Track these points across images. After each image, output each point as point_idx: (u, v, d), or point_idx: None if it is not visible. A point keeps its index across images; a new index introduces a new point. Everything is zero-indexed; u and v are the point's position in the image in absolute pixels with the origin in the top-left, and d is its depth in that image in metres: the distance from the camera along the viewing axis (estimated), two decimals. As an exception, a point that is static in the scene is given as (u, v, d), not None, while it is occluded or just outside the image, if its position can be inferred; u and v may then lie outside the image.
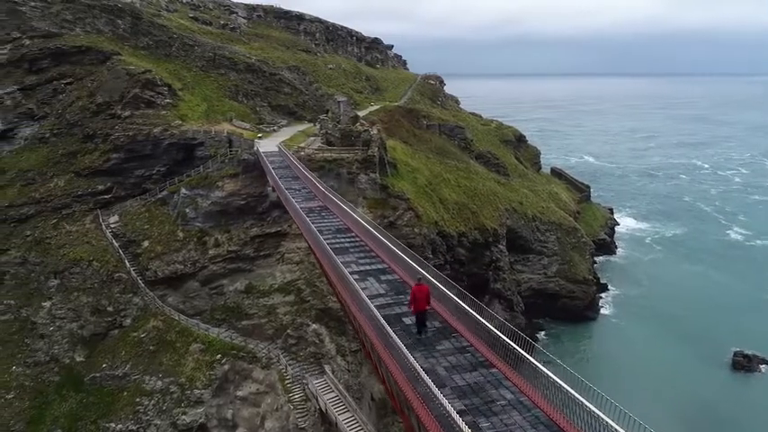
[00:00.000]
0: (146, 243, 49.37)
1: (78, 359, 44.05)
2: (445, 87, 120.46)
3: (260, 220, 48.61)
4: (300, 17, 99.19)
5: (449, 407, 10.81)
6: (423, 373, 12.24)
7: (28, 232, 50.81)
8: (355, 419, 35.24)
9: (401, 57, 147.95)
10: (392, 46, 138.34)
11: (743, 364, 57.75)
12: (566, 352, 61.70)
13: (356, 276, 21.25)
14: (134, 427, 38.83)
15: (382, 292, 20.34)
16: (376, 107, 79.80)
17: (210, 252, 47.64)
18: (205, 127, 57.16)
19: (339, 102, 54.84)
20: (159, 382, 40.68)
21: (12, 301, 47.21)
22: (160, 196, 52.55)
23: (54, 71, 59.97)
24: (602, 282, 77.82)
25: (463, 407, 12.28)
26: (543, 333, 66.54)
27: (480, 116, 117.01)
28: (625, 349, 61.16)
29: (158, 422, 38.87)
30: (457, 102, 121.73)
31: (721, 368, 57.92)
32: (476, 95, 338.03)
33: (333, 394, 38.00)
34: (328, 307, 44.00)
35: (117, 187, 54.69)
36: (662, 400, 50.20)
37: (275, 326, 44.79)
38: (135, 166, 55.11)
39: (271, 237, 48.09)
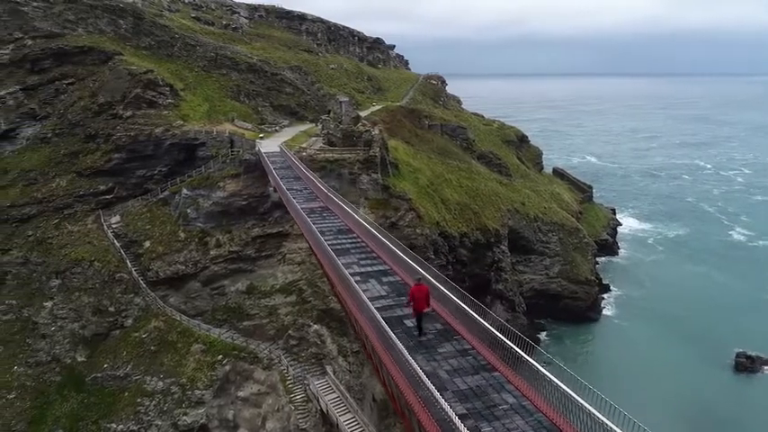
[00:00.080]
0: (147, 243, 49.38)
1: (80, 359, 44.08)
2: (447, 87, 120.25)
3: (261, 221, 48.57)
4: (302, 17, 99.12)
5: (450, 411, 10.73)
6: (424, 377, 12.16)
7: (30, 232, 50.84)
8: (356, 420, 35.18)
9: (403, 57, 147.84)
10: (394, 46, 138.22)
11: (745, 365, 57.54)
12: (568, 353, 61.59)
13: (357, 278, 21.17)
14: (135, 428, 38.85)
15: (383, 293, 20.25)
16: (378, 107, 79.69)
17: (212, 252, 47.61)
18: (207, 127, 57.14)
19: (341, 102, 54.81)
20: (160, 383, 40.67)
21: (13, 301, 47.26)
22: (162, 196, 52.55)
23: (56, 71, 60.04)
24: (604, 282, 77.62)
25: (465, 411, 12.18)
26: (545, 334, 66.38)
27: (482, 116, 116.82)
28: (627, 350, 60.99)
29: (159, 423, 38.88)
30: (459, 102, 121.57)
31: (724, 369, 57.72)
32: (478, 95, 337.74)
33: (334, 395, 37.94)
34: (330, 307, 43.90)
35: (118, 187, 54.71)
36: (664, 401, 50.04)
37: (276, 326, 44.74)
38: (136, 167, 55.12)
39: (272, 237, 48.04)
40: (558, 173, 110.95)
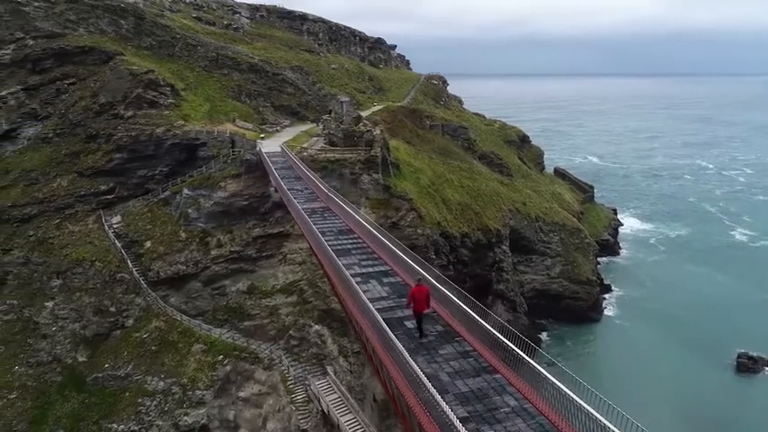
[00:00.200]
0: (148, 243, 49.36)
1: (81, 359, 44.07)
2: (448, 87, 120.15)
3: (262, 221, 48.53)
4: (303, 17, 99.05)
5: (451, 414, 10.66)
6: (425, 379, 12.09)
7: (31, 232, 50.84)
8: (357, 421, 35.13)
9: (404, 57, 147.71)
10: (395, 46, 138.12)
11: (747, 365, 57.42)
12: (569, 353, 61.50)
13: (358, 279, 21.12)
14: (136, 428, 38.82)
15: (384, 294, 20.18)
16: (379, 107, 79.62)
17: (213, 252, 47.58)
18: (208, 127, 57.11)
19: (342, 102, 54.75)
20: (161, 383, 40.65)
21: (14, 301, 47.26)
22: (163, 196, 52.53)
23: (57, 71, 60.03)
24: (605, 283, 77.49)
25: (466, 414, 12.11)
26: (546, 334, 66.28)
27: (483, 116, 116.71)
28: (629, 350, 60.88)
29: (160, 423, 38.85)
30: (460, 102, 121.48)
31: (725, 370, 57.60)
32: (479, 96, 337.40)
33: (335, 395, 37.90)
34: (331, 308, 43.84)
35: (119, 187, 54.70)
36: (665, 401, 49.93)
37: (277, 327, 44.70)
38: (137, 167, 55.10)
39: (273, 237, 48.00)
40: (560, 173, 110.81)
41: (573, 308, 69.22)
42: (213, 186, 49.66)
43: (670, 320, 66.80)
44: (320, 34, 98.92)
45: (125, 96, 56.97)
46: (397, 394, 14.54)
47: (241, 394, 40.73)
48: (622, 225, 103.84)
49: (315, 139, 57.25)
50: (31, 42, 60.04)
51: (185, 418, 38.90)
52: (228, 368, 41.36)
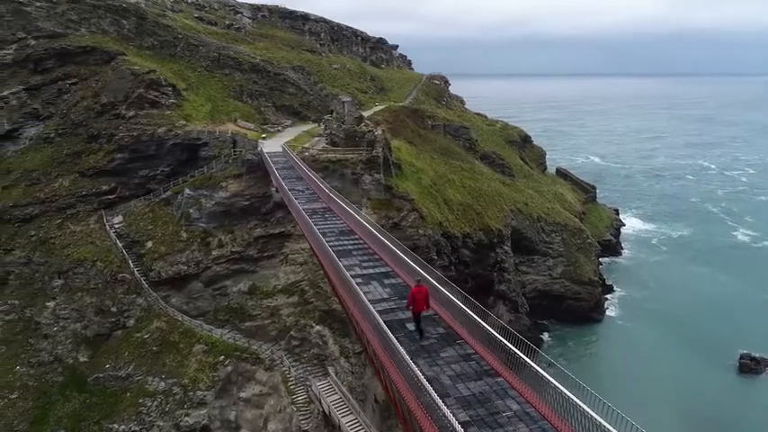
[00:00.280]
0: (149, 243, 49.32)
1: (82, 359, 44.04)
2: (450, 87, 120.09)
3: (264, 221, 48.48)
4: (305, 17, 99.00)
5: (452, 418, 10.56)
6: (425, 383, 11.99)
7: (32, 232, 50.83)
8: (359, 422, 35.07)
9: (406, 57, 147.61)
10: (397, 46, 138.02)
11: (750, 366, 57.27)
12: (571, 354, 61.40)
13: (359, 280, 21.02)
14: (137, 428, 38.77)
15: (386, 296, 20.08)
16: (381, 107, 79.55)
17: (214, 253, 47.53)
18: (209, 127, 57.04)
19: (344, 102, 54.60)
20: (162, 383, 40.61)
21: (16, 301, 47.25)
22: (164, 196, 52.49)
23: (59, 71, 60.00)
24: (607, 283, 77.35)
25: (468, 418, 12.01)
26: (548, 335, 66.21)
27: (485, 116, 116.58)
28: (631, 351, 60.74)
29: (161, 423, 38.80)
30: (462, 102, 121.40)
31: (728, 371, 57.45)
32: (481, 96, 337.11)
33: (336, 396, 37.85)
34: (332, 308, 43.79)
35: (121, 187, 54.68)
36: (667, 402, 49.82)
37: (279, 327, 44.64)
38: (139, 167, 55.07)
39: (274, 238, 47.94)
40: (562, 173, 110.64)
41: (575, 308, 69.08)
42: (215, 186, 49.60)
43: (672, 321, 66.64)
44: (322, 34, 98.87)
45: (127, 96, 56.95)
46: (398, 397, 14.45)
47: (242, 395, 40.67)
48: (624, 225, 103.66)
49: (316, 139, 57.18)
50: (33, 42, 60.02)
51: (186, 418, 38.86)
52: (229, 369, 41.31)
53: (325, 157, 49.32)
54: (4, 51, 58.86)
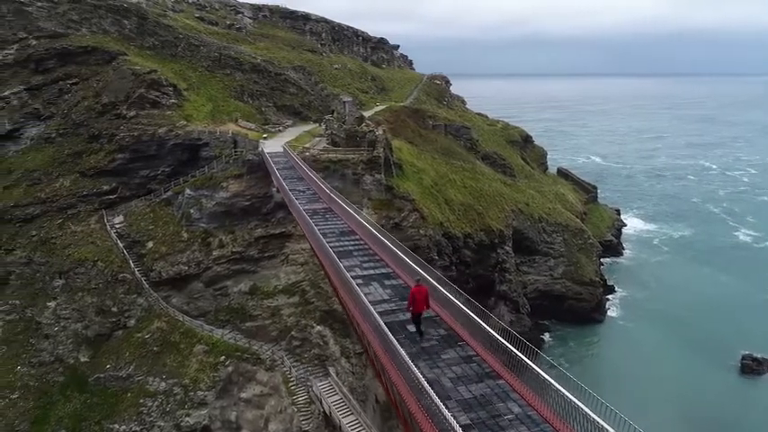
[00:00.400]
0: (150, 244, 49.31)
1: (83, 360, 44.04)
2: (451, 87, 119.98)
3: (264, 221, 48.43)
4: (306, 17, 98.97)
5: (453, 421, 10.50)
6: (426, 385, 11.93)
7: (33, 232, 50.85)
8: (359, 422, 35.02)
9: (407, 57, 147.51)
10: (398, 46, 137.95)
11: (752, 367, 57.15)
12: (572, 354, 61.32)
13: (360, 281, 20.95)
14: (137, 429, 38.76)
15: (386, 297, 20.00)
16: (382, 107, 79.49)
17: (215, 253, 47.50)
18: (210, 127, 57.03)
19: (345, 102, 54.51)
20: (163, 384, 40.59)
21: (17, 301, 47.26)
22: (165, 197, 52.48)
23: (60, 71, 60.03)
24: (608, 283, 77.22)
25: (469, 421, 11.94)
26: (549, 335, 66.10)
27: (486, 116, 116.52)
28: (632, 352, 60.62)
29: (162, 424, 38.78)
30: (463, 102, 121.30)
31: (730, 372, 57.33)
32: (482, 96, 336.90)
33: (337, 397, 37.80)
34: (333, 309, 43.73)
35: (122, 187, 54.70)
36: (669, 402, 49.72)
37: (279, 327, 44.60)
38: (140, 167, 55.09)
39: (275, 238, 47.89)
40: (563, 173, 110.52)
41: (576, 309, 68.97)
42: (215, 187, 49.57)
43: (674, 321, 66.53)
44: (323, 34, 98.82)
45: (128, 96, 56.96)
46: (399, 400, 14.39)
47: (243, 395, 40.63)
48: (626, 225, 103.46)
49: (317, 139, 57.12)
50: (34, 42, 60.05)
51: (187, 418, 38.84)
52: (230, 369, 41.28)
53: (326, 157, 49.25)
54: (6, 51, 58.91)
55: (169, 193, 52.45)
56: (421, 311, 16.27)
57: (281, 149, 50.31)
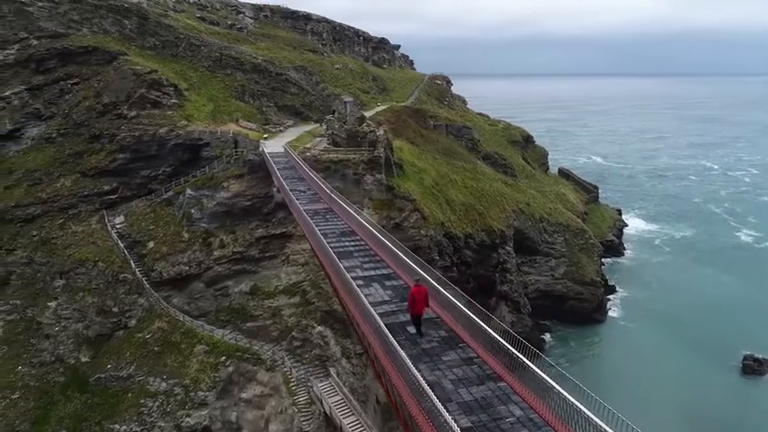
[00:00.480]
0: (151, 244, 49.29)
1: (83, 360, 44.03)
2: (452, 87, 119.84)
3: (265, 222, 48.39)
4: (307, 17, 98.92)
5: (453, 425, 10.42)
6: (427, 388, 11.85)
7: (34, 232, 50.85)
8: (360, 423, 34.94)
9: (408, 57, 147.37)
10: (399, 46, 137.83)
11: (753, 367, 57.05)
12: (573, 355, 61.24)
13: (360, 282, 20.86)
14: (138, 429, 38.72)
15: (387, 298, 19.91)
16: (383, 107, 79.42)
17: (215, 253, 47.47)
18: (211, 127, 56.99)
19: (346, 102, 54.45)
20: (163, 384, 40.55)
21: (17, 301, 47.27)
22: (165, 197, 52.46)
23: (61, 71, 60.04)
24: (609, 284, 77.15)
25: (470, 424, 11.86)
26: (550, 335, 66.03)
27: (487, 116, 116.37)
28: (633, 352, 60.53)
29: (162, 424, 38.75)
30: (464, 102, 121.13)
31: (731, 372, 57.23)
32: (483, 96, 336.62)
33: (338, 397, 37.71)
34: (333, 309, 43.67)
35: (123, 188, 54.69)
36: (670, 403, 49.62)
37: (280, 328, 44.55)
38: (141, 167, 55.09)
39: (276, 238, 47.85)
40: (564, 173, 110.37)
41: (577, 309, 68.89)
42: (216, 187, 49.54)
43: (675, 322, 66.42)
44: (324, 34, 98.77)
45: (128, 96, 56.95)
46: (399, 402, 14.32)
47: (243, 396, 40.59)
48: (627, 226, 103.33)
49: (318, 139, 57.05)
50: (35, 42, 60.06)
51: (187, 419, 38.80)
52: (231, 369, 41.23)
53: (327, 157, 49.20)
54: (6, 51, 58.93)
55: (170, 193, 52.43)
56: (421, 312, 16.18)
57: (282, 149, 50.26)
